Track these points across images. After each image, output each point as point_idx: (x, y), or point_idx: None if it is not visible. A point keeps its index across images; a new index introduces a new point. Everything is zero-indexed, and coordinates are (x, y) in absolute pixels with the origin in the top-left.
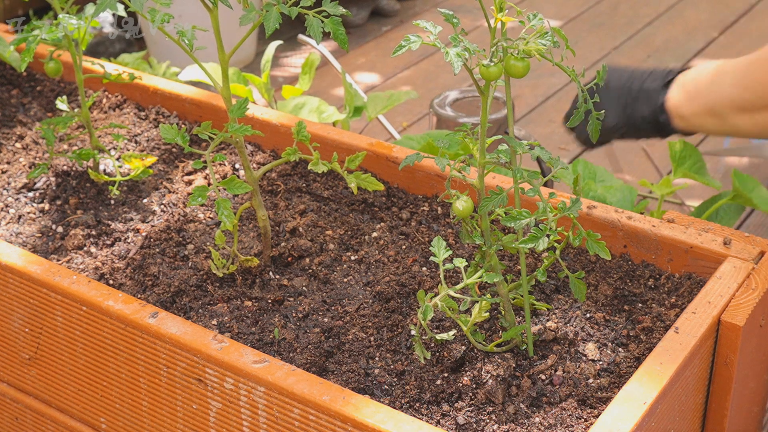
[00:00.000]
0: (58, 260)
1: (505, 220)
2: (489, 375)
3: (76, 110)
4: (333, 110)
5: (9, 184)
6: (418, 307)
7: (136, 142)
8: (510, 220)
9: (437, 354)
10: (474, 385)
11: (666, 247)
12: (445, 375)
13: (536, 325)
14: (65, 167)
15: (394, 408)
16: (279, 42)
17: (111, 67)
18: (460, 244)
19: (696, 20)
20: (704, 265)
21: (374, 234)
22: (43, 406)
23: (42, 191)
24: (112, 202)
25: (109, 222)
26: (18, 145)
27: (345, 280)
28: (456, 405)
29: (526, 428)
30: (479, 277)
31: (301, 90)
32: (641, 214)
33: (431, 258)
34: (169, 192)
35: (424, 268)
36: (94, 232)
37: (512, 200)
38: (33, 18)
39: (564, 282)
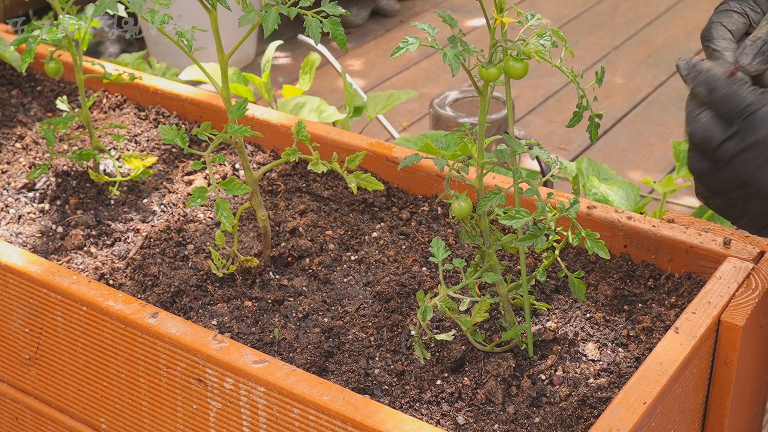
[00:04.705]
0: (58, 260)
1: (503, 219)
2: (489, 375)
3: (76, 110)
4: (333, 110)
5: (9, 184)
6: (418, 307)
7: (136, 142)
8: (508, 219)
9: (437, 354)
10: (474, 385)
11: (666, 247)
12: (445, 375)
13: (536, 325)
14: (65, 167)
15: (394, 408)
16: (279, 42)
17: (111, 67)
18: (459, 244)
19: (696, 20)
20: (704, 265)
21: (374, 234)
22: (43, 406)
23: (42, 191)
24: (112, 202)
25: (109, 222)
26: (18, 145)
27: (345, 280)
28: (456, 405)
29: (526, 428)
30: (478, 277)
31: (302, 90)
32: (641, 213)
33: (431, 258)
34: (169, 192)
35: (424, 268)
36: (94, 232)
37: (512, 200)
38: (33, 18)
39: (564, 282)
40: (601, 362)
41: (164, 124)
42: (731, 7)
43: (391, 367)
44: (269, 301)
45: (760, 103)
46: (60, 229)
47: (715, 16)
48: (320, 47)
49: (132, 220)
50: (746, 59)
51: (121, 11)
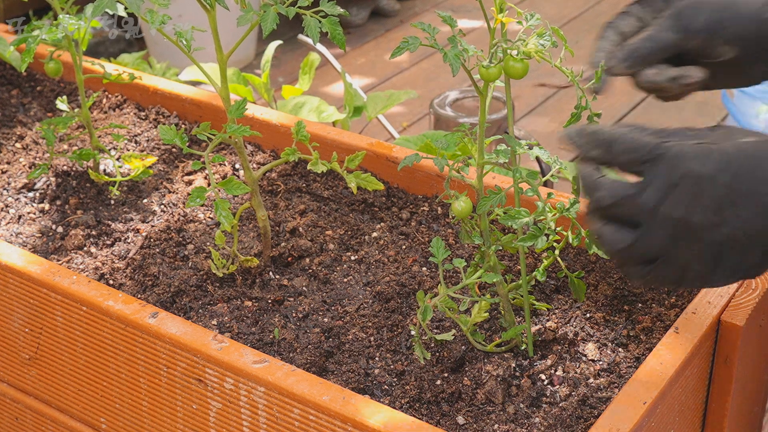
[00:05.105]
0: (58, 260)
1: (503, 219)
2: (489, 375)
3: (76, 110)
4: (333, 110)
5: (9, 184)
6: (418, 307)
7: (136, 142)
8: (508, 219)
9: (437, 354)
10: (474, 385)
11: None
12: (445, 375)
13: (536, 325)
14: (65, 167)
15: (394, 408)
16: (278, 42)
17: (111, 67)
18: (460, 244)
19: None
20: None
21: (374, 234)
22: (43, 406)
23: (42, 191)
24: (112, 202)
25: (109, 222)
26: (18, 145)
27: (345, 280)
28: (456, 405)
29: (526, 428)
30: (478, 277)
31: (301, 90)
32: None
33: (431, 258)
34: (169, 192)
35: (424, 268)
36: (94, 232)
37: (512, 200)
38: (33, 18)
39: (564, 282)
40: (601, 362)
41: (164, 124)
42: (629, 10)
43: (391, 367)
44: (269, 301)
45: (665, 144)
46: (60, 229)
47: (613, 17)
48: (320, 47)
49: (132, 220)
50: (614, 62)
51: (121, 11)
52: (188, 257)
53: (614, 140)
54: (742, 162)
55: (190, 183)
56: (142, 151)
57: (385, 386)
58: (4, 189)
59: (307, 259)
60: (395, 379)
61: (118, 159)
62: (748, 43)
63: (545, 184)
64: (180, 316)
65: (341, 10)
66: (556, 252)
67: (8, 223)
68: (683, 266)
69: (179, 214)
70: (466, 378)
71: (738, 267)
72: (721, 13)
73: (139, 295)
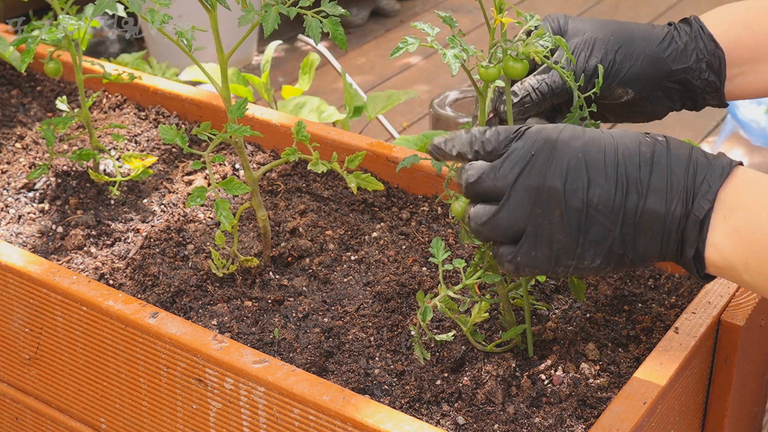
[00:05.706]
0: (58, 260)
1: None
2: (489, 375)
3: (76, 110)
4: (333, 110)
5: (9, 184)
6: (418, 307)
7: (136, 142)
8: None
9: (437, 354)
10: (474, 386)
11: None
12: (445, 375)
13: (536, 325)
14: (65, 167)
15: (394, 408)
16: (278, 42)
17: (111, 67)
18: (459, 244)
19: None
20: None
21: (374, 234)
22: (43, 406)
23: (42, 191)
24: (112, 202)
25: (109, 222)
26: (18, 145)
27: (345, 280)
28: (456, 405)
29: (526, 428)
30: (478, 278)
31: (301, 90)
32: None
33: (431, 258)
34: (169, 192)
35: (424, 269)
36: (94, 233)
37: None
38: (33, 18)
39: (564, 282)
40: (601, 362)
41: (164, 124)
42: None
43: (391, 367)
44: (269, 301)
45: (527, 125)
46: (60, 229)
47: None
48: (320, 47)
49: (132, 220)
50: (503, 106)
51: (121, 11)
52: (188, 257)
53: (484, 131)
54: (598, 135)
55: (190, 183)
56: (142, 151)
57: (385, 386)
58: (4, 189)
59: (307, 259)
60: (395, 379)
61: (118, 159)
62: (644, 84)
63: None
64: (180, 316)
65: (342, 10)
66: None
67: (8, 223)
68: (549, 238)
69: (179, 214)
70: (466, 378)
71: (603, 242)
72: (615, 54)
73: (139, 295)
